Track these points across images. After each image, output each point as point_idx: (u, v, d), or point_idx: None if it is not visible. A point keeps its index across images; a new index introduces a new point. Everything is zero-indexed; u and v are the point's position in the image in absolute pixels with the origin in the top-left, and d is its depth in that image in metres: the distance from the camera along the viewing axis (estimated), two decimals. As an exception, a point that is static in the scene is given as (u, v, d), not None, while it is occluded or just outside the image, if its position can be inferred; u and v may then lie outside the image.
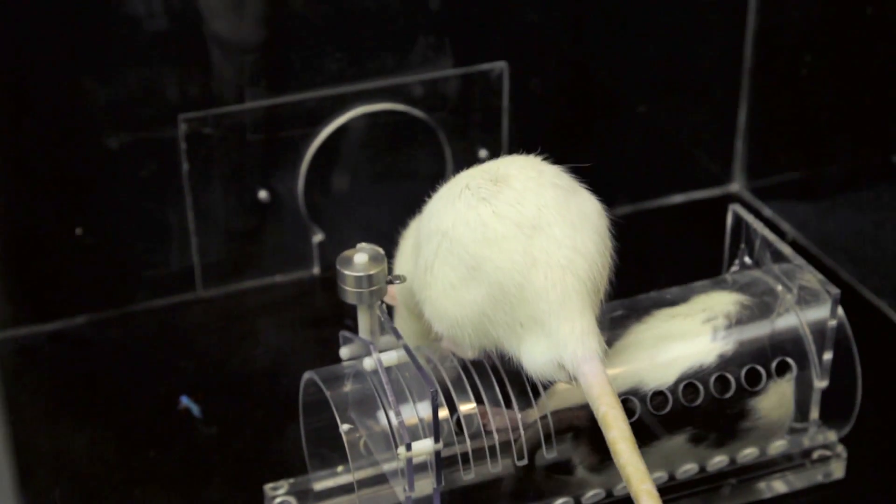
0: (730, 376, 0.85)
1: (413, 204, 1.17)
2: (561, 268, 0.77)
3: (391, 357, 0.82)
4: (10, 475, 0.95)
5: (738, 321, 0.86)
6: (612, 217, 0.84)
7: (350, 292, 0.84)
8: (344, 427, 0.81)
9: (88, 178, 1.08)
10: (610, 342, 0.83)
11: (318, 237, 1.16)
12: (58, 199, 1.08)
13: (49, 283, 1.10)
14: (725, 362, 0.85)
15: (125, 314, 1.12)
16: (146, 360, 1.08)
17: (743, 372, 0.85)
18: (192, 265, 1.14)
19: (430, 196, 0.85)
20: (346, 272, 0.84)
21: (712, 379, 0.85)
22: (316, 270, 1.17)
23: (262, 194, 1.13)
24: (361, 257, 0.84)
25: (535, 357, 0.79)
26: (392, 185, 1.17)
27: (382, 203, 1.18)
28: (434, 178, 1.16)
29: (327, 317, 1.09)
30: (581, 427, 0.83)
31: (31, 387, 1.05)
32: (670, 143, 1.25)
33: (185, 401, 1.01)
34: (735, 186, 1.26)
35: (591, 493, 0.86)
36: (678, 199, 1.25)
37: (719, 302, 0.87)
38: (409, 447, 0.79)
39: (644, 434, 0.83)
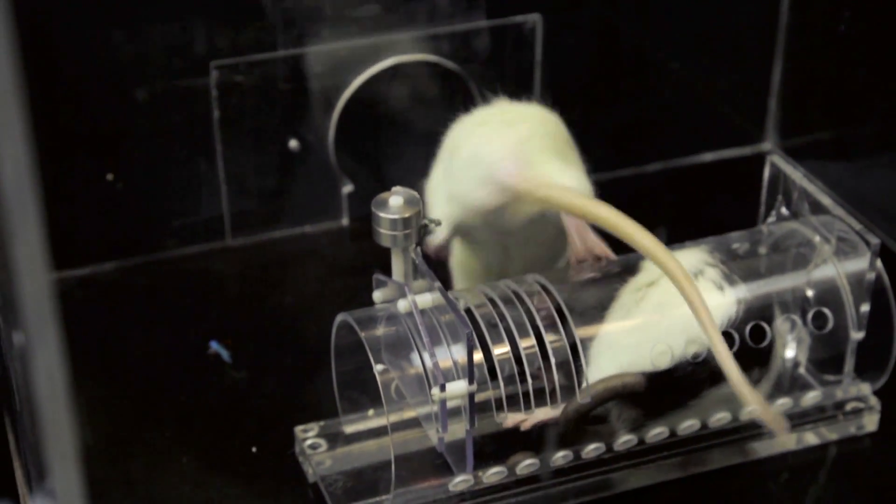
0: (765, 326, 0.84)
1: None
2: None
3: (426, 299, 0.82)
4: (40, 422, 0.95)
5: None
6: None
7: (385, 235, 0.84)
8: (378, 367, 0.81)
9: (120, 127, 1.08)
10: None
11: (347, 188, 1.16)
12: (89, 147, 1.08)
13: (79, 229, 1.10)
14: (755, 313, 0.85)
15: (154, 261, 1.12)
16: (175, 307, 1.07)
17: (778, 322, 0.85)
18: (222, 214, 1.13)
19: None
20: (382, 214, 0.83)
21: (748, 329, 0.84)
22: (345, 221, 1.17)
23: (293, 144, 1.13)
24: (397, 200, 0.84)
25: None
26: (423, 136, 1.16)
27: (413, 155, 1.17)
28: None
29: (356, 267, 1.08)
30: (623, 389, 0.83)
31: (61, 331, 1.04)
32: (702, 101, 1.25)
33: (214, 346, 1.01)
34: (767, 145, 1.25)
35: (623, 439, 0.85)
36: (709, 157, 1.25)
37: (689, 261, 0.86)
38: (443, 388, 0.79)
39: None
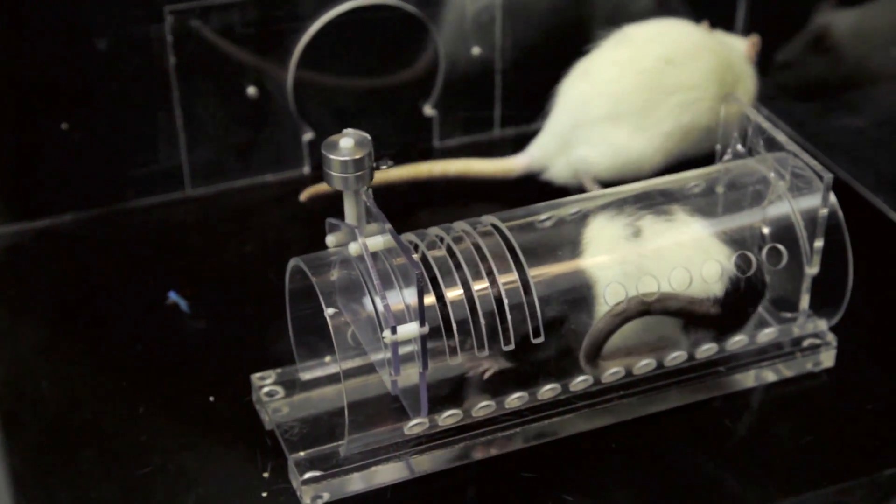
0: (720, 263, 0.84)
1: (405, 101, 1.17)
2: None
3: (377, 242, 0.81)
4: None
5: None
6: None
7: (336, 177, 0.83)
8: (329, 311, 0.80)
9: (75, 76, 1.07)
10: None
11: (308, 135, 1.15)
12: (44, 97, 1.07)
13: (36, 181, 1.09)
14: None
15: (113, 212, 1.11)
16: (133, 258, 1.07)
17: (733, 258, 0.84)
18: (181, 163, 1.12)
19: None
20: (332, 157, 0.82)
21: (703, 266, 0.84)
22: (306, 169, 1.16)
23: (251, 91, 1.12)
24: (347, 142, 0.83)
25: None
26: (384, 82, 1.15)
27: (374, 101, 1.16)
28: (427, 76, 1.16)
29: (317, 215, 1.06)
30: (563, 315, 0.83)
31: (18, 283, 1.04)
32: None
33: (172, 296, 1.00)
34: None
35: (579, 378, 0.85)
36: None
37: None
38: (394, 331, 0.78)
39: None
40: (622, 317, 0.83)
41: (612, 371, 0.85)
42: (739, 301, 0.85)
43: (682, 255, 0.84)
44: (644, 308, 0.83)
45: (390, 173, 1.10)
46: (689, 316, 0.84)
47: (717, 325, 0.86)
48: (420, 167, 1.12)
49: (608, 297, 0.83)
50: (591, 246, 0.84)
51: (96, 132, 1.09)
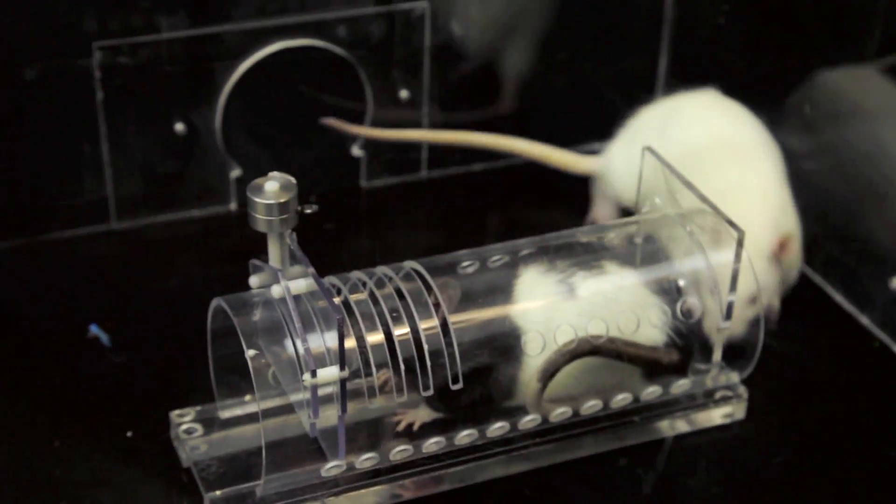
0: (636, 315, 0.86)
1: (332, 142, 1.18)
2: None
3: (300, 285, 0.82)
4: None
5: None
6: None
7: (260, 220, 0.83)
8: (250, 353, 0.81)
9: (2, 106, 1.07)
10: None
11: (235, 172, 1.15)
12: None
13: (-41, 210, 1.09)
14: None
15: (37, 243, 1.11)
16: (56, 290, 1.06)
17: (679, 305, 0.87)
18: (107, 197, 1.12)
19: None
20: (257, 199, 0.83)
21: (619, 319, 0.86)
22: (233, 206, 1.17)
23: (179, 127, 1.12)
24: (272, 185, 0.83)
25: None
26: (312, 122, 1.16)
27: (301, 140, 1.17)
28: (354, 117, 1.17)
29: (243, 252, 1.07)
30: (487, 364, 0.84)
31: None
32: (590, 92, 1.26)
33: (94, 329, 1.00)
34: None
35: (496, 425, 0.86)
36: (598, 147, 1.26)
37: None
38: (314, 374, 0.79)
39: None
40: (571, 354, 0.84)
41: (560, 411, 0.87)
42: (684, 347, 0.88)
43: (618, 307, 0.86)
44: (593, 348, 0.85)
45: (457, 136, 1.15)
46: (640, 361, 0.86)
47: (669, 369, 0.88)
48: (496, 140, 1.15)
49: (530, 347, 0.84)
50: (522, 298, 0.85)
51: (22, 162, 1.09)
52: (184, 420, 0.90)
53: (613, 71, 1.25)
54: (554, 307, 0.85)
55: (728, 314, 0.88)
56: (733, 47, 1.19)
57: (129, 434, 0.91)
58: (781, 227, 0.97)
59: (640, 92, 1.23)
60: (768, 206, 0.98)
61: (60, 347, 0.99)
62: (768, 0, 1.14)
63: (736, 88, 1.11)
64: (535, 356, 0.84)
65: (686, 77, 1.23)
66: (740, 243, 0.86)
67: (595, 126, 1.24)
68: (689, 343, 0.88)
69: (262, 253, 0.86)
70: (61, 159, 1.10)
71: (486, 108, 1.22)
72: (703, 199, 0.89)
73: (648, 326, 0.86)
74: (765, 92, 1.13)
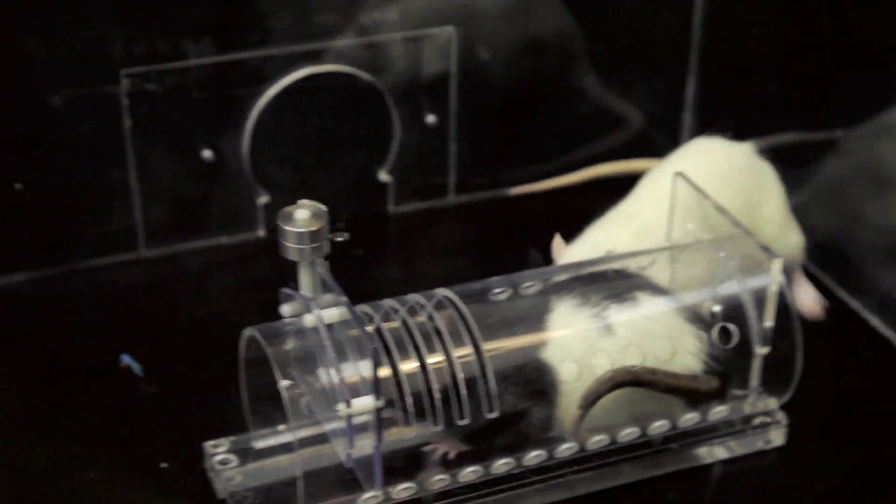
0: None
1: (360, 167, 1.18)
2: None
3: (332, 314, 0.82)
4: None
5: None
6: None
7: (291, 248, 0.83)
8: (284, 383, 0.80)
9: (29, 135, 1.07)
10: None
11: (263, 199, 1.15)
12: (-2, 155, 1.07)
13: (-12, 240, 1.09)
14: None
15: (66, 272, 1.10)
16: (87, 319, 1.06)
17: (715, 331, 0.86)
18: (135, 224, 1.12)
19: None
20: (288, 228, 0.83)
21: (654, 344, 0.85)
22: (261, 233, 1.16)
23: (207, 154, 1.12)
24: (303, 213, 0.83)
25: None
26: (339, 147, 1.16)
27: (329, 166, 1.17)
28: (381, 142, 1.17)
29: (272, 279, 1.06)
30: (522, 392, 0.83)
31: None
32: (617, 114, 1.25)
33: (126, 359, 1.00)
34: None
35: (533, 454, 0.86)
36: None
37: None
38: (349, 404, 0.79)
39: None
40: (613, 383, 0.84)
41: (597, 439, 0.86)
42: (721, 374, 0.88)
43: (653, 337, 0.86)
44: (634, 379, 0.84)
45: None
46: (680, 391, 0.86)
47: (709, 397, 0.88)
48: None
49: (565, 375, 0.83)
50: (557, 337, 0.85)
51: (50, 191, 1.09)
52: (218, 451, 0.90)
53: (642, 92, 1.25)
54: (588, 337, 0.85)
55: (765, 340, 0.87)
56: (763, 68, 1.18)
57: (163, 465, 0.90)
58: None
59: (668, 113, 1.23)
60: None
61: (92, 378, 0.99)
62: (798, 21, 1.13)
63: (765, 109, 1.11)
64: (570, 383, 0.84)
65: (714, 100, 1.23)
66: (777, 270, 0.85)
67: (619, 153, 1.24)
68: (726, 369, 0.87)
69: (292, 279, 0.85)
70: (89, 187, 1.10)
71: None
72: (737, 224, 0.88)
73: (685, 354, 0.86)
74: (795, 113, 1.13)
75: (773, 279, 0.86)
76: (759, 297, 0.87)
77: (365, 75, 1.13)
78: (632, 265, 0.89)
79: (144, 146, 1.10)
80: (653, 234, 0.95)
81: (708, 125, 1.20)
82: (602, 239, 0.96)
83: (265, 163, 1.14)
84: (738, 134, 1.16)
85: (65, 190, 1.09)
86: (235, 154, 1.13)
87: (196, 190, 1.14)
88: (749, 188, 1.01)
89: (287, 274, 0.87)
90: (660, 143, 1.26)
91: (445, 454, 0.84)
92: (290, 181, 1.16)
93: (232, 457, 0.89)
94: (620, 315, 0.85)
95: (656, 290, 0.87)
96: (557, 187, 1.21)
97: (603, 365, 0.84)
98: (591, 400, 0.84)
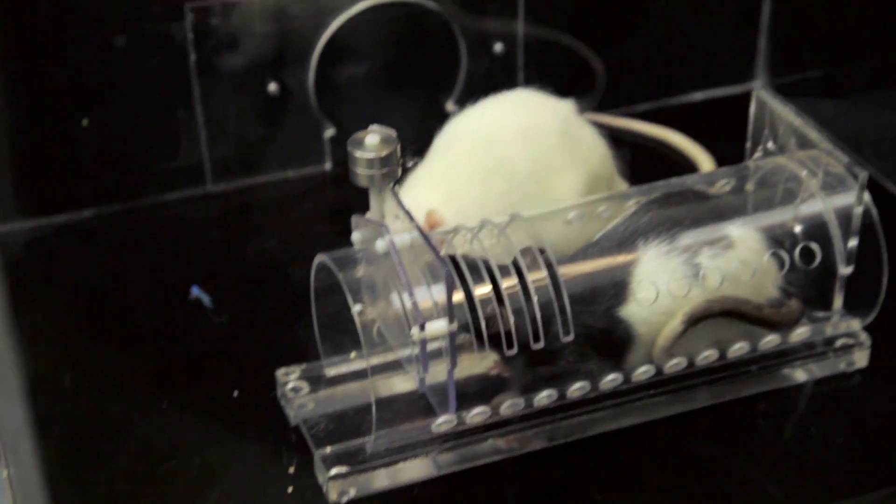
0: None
1: (426, 97, 1.16)
2: None
3: (404, 239, 0.80)
4: (18, 368, 0.94)
5: None
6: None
7: (362, 175, 0.82)
8: (356, 308, 0.79)
9: (96, 72, 1.06)
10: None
11: (329, 132, 1.14)
12: (66, 93, 1.06)
13: (57, 176, 1.09)
14: None
15: (133, 208, 1.10)
16: (155, 254, 1.06)
17: (797, 251, 0.84)
18: (202, 159, 1.12)
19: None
20: (358, 154, 0.81)
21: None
22: (328, 166, 1.15)
23: (272, 87, 1.11)
24: (373, 138, 0.82)
25: None
26: (405, 78, 1.15)
27: (395, 97, 1.15)
28: (447, 72, 1.15)
29: (339, 212, 1.06)
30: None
31: (37, 279, 1.03)
32: (691, 40, 1.22)
33: (195, 291, 1.00)
34: (757, 84, 1.23)
35: (608, 378, 0.84)
36: (699, 96, 1.23)
37: None
38: (422, 328, 0.77)
39: None
40: (721, 307, 0.83)
41: (674, 362, 0.85)
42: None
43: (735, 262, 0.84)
44: (739, 310, 0.83)
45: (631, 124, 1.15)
46: (770, 324, 0.85)
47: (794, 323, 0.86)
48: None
49: (641, 296, 0.82)
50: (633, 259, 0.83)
51: (117, 128, 1.08)
52: (290, 378, 0.89)
53: (712, 22, 1.22)
54: (666, 261, 0.83)
55: (849, 259, 0.85)
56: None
57: (235, 394, 0.90)
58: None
59: (741, 41, 1.20)
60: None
61: (163, 311, 0.99)
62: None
63: (847, 34, 1.07)
64: (647, 307, 0.82)
65: (789, 24, 1.20)
66: (863, 186, 0.83)
67: (693, 77, 1.21)
68: (804, 292, 0.85)
69: (360, 212, 0.84)
70: (156, 123, 1.10)
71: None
72: (820, 141, 0.86)
73: (764, 276, 0.83)
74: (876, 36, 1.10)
75: (857, 197, 0.83)
76: (844, 216, 0.84)
77: (430, 4, 1.11)
78: (711, 185, 0.87)
79: (210, 81, 1.09)
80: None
81: (784, 50, 1.18)
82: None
83: (331, 95, 1.13)
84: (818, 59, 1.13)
85: (131, 126, 1.09)
86: (301, 87, 1.12)
87: (262, 124, 1.13)
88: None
89: (354, 207, 0.86)
90: (734, 67, 1.23)
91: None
92: (356, 113, 1.15)
93: (303, 384, 0.89)
94: (699, 238, 0.83)
95: (736, 209, 0.85)
96: (625, 129, 1.18)
97: (681, 284, 0.82)
98: (697, 317, 0.82)
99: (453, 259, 0.81)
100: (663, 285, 0.82)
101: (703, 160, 1.10)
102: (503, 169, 0.94)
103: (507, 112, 0.98)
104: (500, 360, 0.82)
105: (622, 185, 1.00)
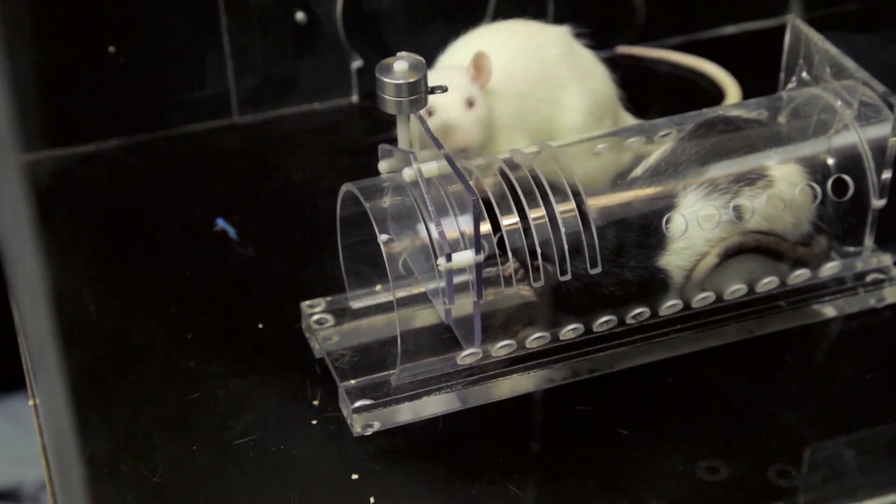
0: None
1: (455, 29, 1.14)
2: None
3: (431, 167, 0.80)
4: (46, 296, 0.94)
5: None
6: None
7: (389, 101, 0.81)
8: (382, 237, 0.79)
9: (121, 5, 1.05)
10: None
11: (356, 63, 1.13)
12: (91, 21, 1.05)
13: (82, 106, 1.08)
14: None
15: (159, 138, 1.10)
16: (181, 184, 1.05)
17: (829, 184, 0.83)
18: (228, 90, 1.11)
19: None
20: (386, 80, 0.80)
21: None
22: (354, 98, 1.14)
23: (300, 16, 1.10)
24: (402, 65, 0.81)
25: None
26: (434, 9, 1.13)
27: (424, 28, 1.14)
28: (475, 3, 1.13)
29: (366, 145, 1.06)
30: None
31: (64, 208, 1.03)
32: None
33: (220, 223, 0.99)
34: (791, 18, 1.21)
35: (635, 311, 0.83)
36: (731, 29, 1.21)
37: None
38: (449, 258, 0.77)
39: None
40: (757, 243, 0.82)
41: (702, 296, 0.84)
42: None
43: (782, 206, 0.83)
44: (775, 249, 0.83)
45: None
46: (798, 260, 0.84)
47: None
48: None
49: (673, 229, 0.81)
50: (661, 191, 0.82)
51: (143, 58, 1.07)
52: (315, 311, 0.89)
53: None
54: (696, 193, 0.81)
55: (882, 192, 0.83)
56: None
57: (260, 326, 0.90)
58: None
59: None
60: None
61: (188, 242, 0.98)
62: None
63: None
64: (677, 239, 0.81)
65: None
66: (897, 116, 0.81)
67: (727, 10, 1.19)
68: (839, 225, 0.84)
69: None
70: (182, 53, 1.09)
71: None
72: (856, 70, 0.84)
73: (801, 211, 0.82)
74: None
75: (893, 127, 0.81)
76: (878, 148, 0.83)
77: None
78: (744, 114, 0.85)
79: (237, 10, 1.07)
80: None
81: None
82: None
83: (359, 26, 1.11)
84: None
85: (158, 55, 1.08)
86: (328, 17, 1.10)
87: (289, 55, 1.11)
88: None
89: (382, 140, 0.85)
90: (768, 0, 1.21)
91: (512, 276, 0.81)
92: (384, 45, 1.13)
93: (328, 316, 0.88)
94: (737, 176, 0.82)
95: (770, 142, 0.83)
96: (664, 59, 1.16)
97: (712, 216, 0.81)
98: (734, 250, 0.81)
99: (481, 189, 0.80)
100: (703, 234, 0.81)
101: (732, 89, 1.09)
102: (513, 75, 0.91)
103: (506, 32, 0.95)
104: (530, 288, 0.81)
105: (626, 115, 0.98)
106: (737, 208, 0.81)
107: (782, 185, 0.82)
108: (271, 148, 1.09)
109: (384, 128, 0.88)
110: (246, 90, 1.11)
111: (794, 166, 0.83)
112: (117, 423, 0.83)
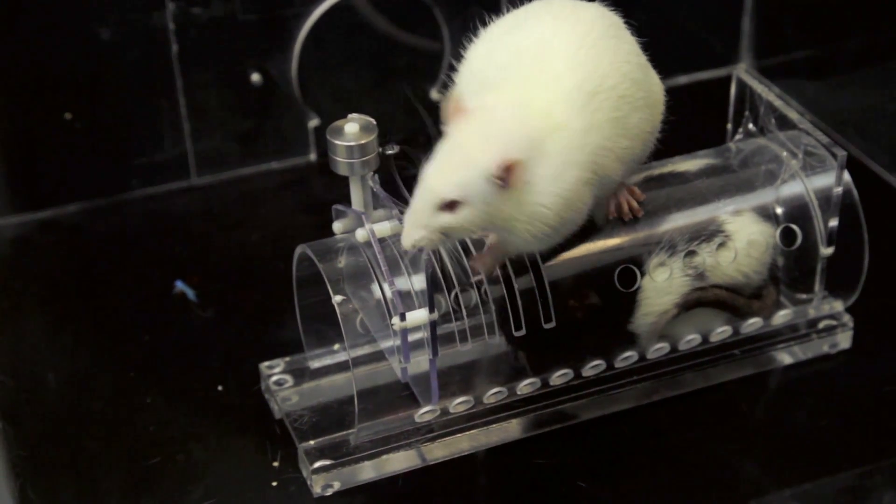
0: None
1: (411, 87, 1.15)
2: None
3: (384, 227, 0.80)
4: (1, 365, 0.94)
5: None
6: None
7: (341, 163, 0.82)
8: (337, 299, 0.79)
9: (77, 65, 1.06)
10: None
11: (313, 122, 1.14)
12: (47, 87, 1.06)
13: (40, 171, 1.08)
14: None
15: (118, 202, 1.10)
16: (140, 247, 1.06)
17: (777, 233, 0.84)
18: (186, 151, 1.11)
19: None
20: (337, 142, 0.81)
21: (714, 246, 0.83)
22: (312, 157, 1.15)
23: (255, 77, 1.11)
24: (352, 127, 0.82)
25: None
26: (390, 66, 1.14)
27: (379, 85, 1.15)
28: (432, 58, 1.14)
29: (324, 203, 1.06)
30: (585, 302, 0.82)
31: (23, 275, 1.03)
32: (674, 22, 1.22)
33: (179, 285, 0.99)
34: (741, 67, 1.23)
35: (592, 363, 0.84)
36: (683, 79, 1.22)
37: None
38: (403, 317, 0.77)
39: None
40: (716, 299, 0.84)
41: (657, 347, 0.85)
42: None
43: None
44: (731, 304, 0.85)
45: None
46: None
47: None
48: None
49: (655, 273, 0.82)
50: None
51: (100, 122, 1.08)
52: (274, 371, 0.89)
53: (695, 4, 1.21)
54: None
55: (830, 240, 0.84)
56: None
57: (219, 388, 0.90)
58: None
59: (724, 23, 1.20)
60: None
61: (147, 305, 0.99)
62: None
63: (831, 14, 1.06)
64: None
65: (773, 5, 1.19)
66: (842, 166, 0.82)
67: (677, 61, 1.21)
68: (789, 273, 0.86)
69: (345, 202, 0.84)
70: (139, 116, 1.09)
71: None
72: (800, 121, 0.85)
73: (747, 258, 0.83)
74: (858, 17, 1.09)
75: (837, 177, 0.83)
76: (824, 197, 0.84)
77: (412, -9, 1.11)
78: (692, 168, 0.87)
79: (193, 72, 1.08)
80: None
81: (768, 32, 1.17)
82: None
83: (315, 85, 1.12)
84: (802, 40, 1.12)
85: (115, 119, 1.09)
86: (284, 77, 1.11)
87: (245, 115, 1.12)
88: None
89: (340, 198, 0.86)
90: (718, 50, 1.23)
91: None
92: (341, 104, 1.14)
93: (287, 377, 0.88)
94: (712, 256, 0.83)
95: (722, 193, 0.85)
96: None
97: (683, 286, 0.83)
98: (691, 304, 0.83)
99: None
100: (668, 296, 0.82)
101: None
102: (596, 79, 0.79)
103: (553, 20, 0.81)
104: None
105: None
106: (696, 267, 0.82)
107: (739, 238, 0.83)
108: (230, 208, 1.10)
109: (344, 185, 0.88)
110: (203, 151, 1.12)
111: (749, 217, 0.84)
112: (76, 490, 0.83)
